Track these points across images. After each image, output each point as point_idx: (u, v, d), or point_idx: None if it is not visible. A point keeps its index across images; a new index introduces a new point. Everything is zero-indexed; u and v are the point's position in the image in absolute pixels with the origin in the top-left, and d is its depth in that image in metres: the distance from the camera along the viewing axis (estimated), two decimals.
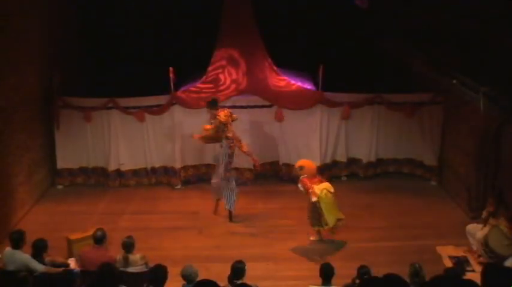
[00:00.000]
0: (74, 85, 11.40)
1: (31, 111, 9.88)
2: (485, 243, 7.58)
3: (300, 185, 8.48)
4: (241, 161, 10.73)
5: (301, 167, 8.53)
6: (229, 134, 9.10)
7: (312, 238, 8.77)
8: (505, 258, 7.16)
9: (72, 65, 11.88)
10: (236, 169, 10.77)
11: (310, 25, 13.33)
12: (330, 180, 10.85)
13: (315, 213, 8.41)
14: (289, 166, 10.81)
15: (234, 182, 9.31)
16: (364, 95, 10.63)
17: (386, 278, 4.83)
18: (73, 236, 7.95)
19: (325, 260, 6.97)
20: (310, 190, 8.29)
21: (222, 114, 9.11)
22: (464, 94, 8.16)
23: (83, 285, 6.42)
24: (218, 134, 9.17)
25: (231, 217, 9.45)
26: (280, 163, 10.85)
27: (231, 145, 9.12)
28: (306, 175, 8.43)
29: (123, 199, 10.23)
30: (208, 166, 10.81)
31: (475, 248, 8.05)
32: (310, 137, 10.69)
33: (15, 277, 5.76)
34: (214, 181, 9.50)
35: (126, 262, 6.68)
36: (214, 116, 9.14)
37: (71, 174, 10.74)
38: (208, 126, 9.32)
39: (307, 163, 8.69)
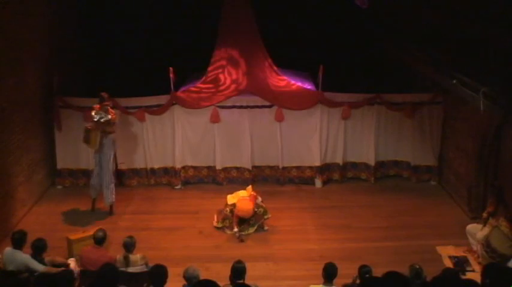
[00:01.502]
0: (74, 85, 11.40)
1: (31, 111, 9.88)
2: (487, 244, 7.58)
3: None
4: (241, 161, 10.76)
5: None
6: (113, 129, 9.49)
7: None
8: (507, 258, 7.15)
9: (72, 65, 11.88)
10: (236, 168, 10.81)
11: (310, 25, 13.33)
12: (329, 180, 10.93)
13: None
14: (289, 168, 10.81)
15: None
16: (364, 95, 10.63)
17: (387, 276, 4.83)
18: (73, 236, 7.96)
19: (325, 261, 6.96)
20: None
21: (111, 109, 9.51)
22: (464, 94, 8.15)
23: (83, 285, 6.43)
24: (108, 129, 9.39)
25: (111, 211, 9.67)
26: (280, 165, 10.83)
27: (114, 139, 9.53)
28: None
29: (123, 199, 10.22)
30: (209, 168, 10.81)
31: (475, 248, 8.05)
32: (310, 137, 10.69)
33: (16, 277, 5.75)
34: (95, 181, 9.59)
35: (127, 261, 6.68)
36: (105, 110, 9.32)
37: (71, 174, 10.74)
38: (90, 126, 9.36)
39: (242, 204, 8.97)
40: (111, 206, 9.68)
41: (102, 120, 9.31)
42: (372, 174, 10.86)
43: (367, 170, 10.91)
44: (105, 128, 9.35)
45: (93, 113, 9.35)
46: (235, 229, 8.86)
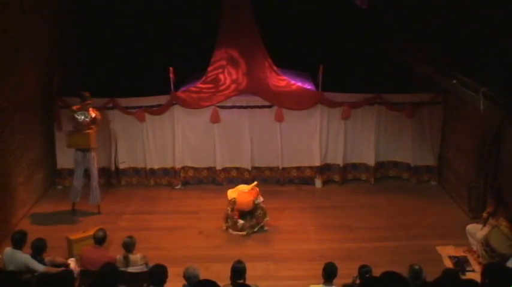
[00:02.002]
0: (74, 85, 11.39)
1: (31, 111, 9.88)
2: (486, 243, 7.58)
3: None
4: (241, 161, 10.76)
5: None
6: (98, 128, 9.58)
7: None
8: (506, 258, 7.16)
9: (72, 65, 11.88)
10: (236, 168, 10.81)
11: (310, 25, 13.34)
12: (329, 181, 10.92)
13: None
14: (289, 168, 10.80)
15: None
16: (364, 95, 10.63)
17: (384, 276, 4.83)
18: (73, 236, 7.96)
19: (325, 260, 6.96)
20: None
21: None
22: (464, 94, 8.15)
23: (83, 285, 6.43)
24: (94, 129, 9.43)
25: (99, 210, 9.67)
26: (280, 165, 10.82)
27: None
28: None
29: (123, 199, 10.23)
30: (209, 168, 10.80)
31: (475, 248, 8.05)
32: (310, 138, 10.69)
33: (17, 278, 5.76)
34: (77, 182, 9.53)
35: (127, 261, 6.69)
36: (87, 110, 9.35)
37: (71, 174, 10.72)
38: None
39: (242, 197, 9.02)
40: (98, 206, 9.70)
41: (87, 119, 9.32)
42: (371, 175, 10.85)
43: (367, 171, 10.90)
44: (90, 127, 9.36)
45: (76, 115, 9.34)
46: (241, 222, 8.89)
